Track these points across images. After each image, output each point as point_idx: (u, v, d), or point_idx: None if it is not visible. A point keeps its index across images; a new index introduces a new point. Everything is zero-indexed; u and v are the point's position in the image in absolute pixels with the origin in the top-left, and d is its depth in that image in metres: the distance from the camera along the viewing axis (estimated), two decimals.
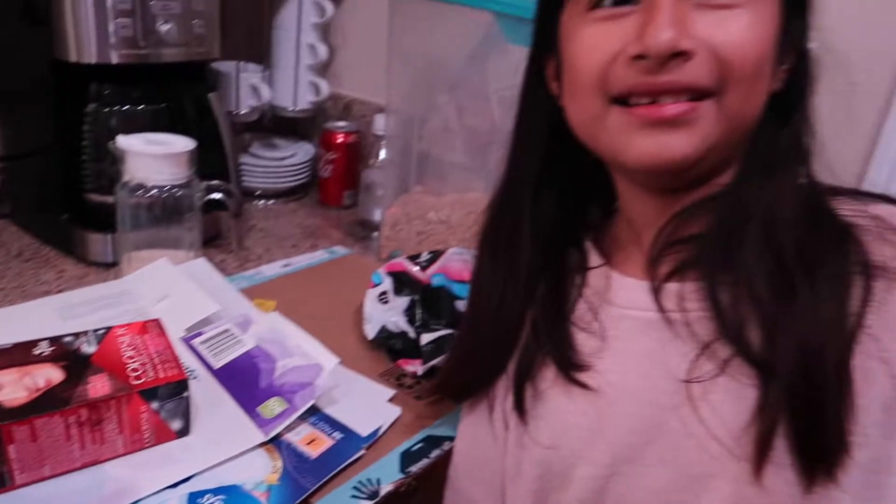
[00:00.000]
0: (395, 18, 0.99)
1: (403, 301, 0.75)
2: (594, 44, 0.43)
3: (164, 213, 0.80)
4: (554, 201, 0.52)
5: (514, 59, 0.93)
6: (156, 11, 0.84)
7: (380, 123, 1.09)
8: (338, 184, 1.20)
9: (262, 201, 1.19)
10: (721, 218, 0.43)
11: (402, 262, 0.79)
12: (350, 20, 1.25)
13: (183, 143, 0.80)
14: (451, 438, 0.61)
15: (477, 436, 0.57)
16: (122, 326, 0.61)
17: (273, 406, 0.59)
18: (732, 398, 0.40)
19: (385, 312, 0.74)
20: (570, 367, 0.48)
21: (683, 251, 0.45)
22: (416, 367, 0.69)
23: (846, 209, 0.42)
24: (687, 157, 0.41)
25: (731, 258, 0.41)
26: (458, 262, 0.77)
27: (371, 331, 0.73)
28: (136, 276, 0.77)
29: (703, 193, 0.45)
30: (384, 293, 0.76)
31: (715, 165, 0.44)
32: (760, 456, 0.38)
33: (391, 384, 0.68)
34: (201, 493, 0.52)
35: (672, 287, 0.44)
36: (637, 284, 0.47)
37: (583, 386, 0.47)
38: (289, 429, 0.58)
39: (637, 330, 0.46)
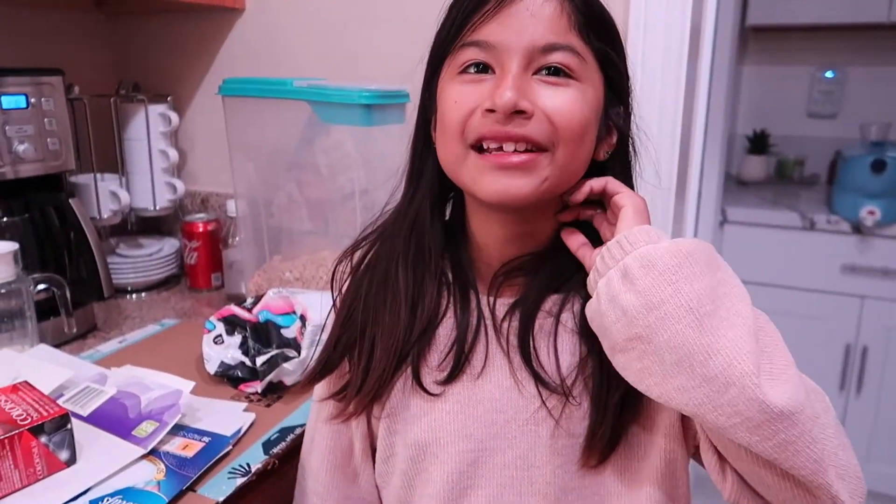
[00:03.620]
0: (230, 117, 1.17)
1: (237, 339, 0.90)
2: (459, 100, 0.55)
3: None
4: (437, 232, 0.62)
5: (335, 136, 1.13)
6: (11, 134, 0.98)
7: (232, 207, 1.25)
8: (204, 268, 1.33)
9: (135, 295, 1.29)
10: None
11: (231, 308, 0.94)
12: (195, 125, 1.42)
13: (3, 246, 0.89)
14: (302, 425, 0.75)
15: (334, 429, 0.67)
16: None
17: (146, 427, 0.71)
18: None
19: (222, 351, 0.89)
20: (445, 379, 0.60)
21: (518, 281, 0.60)
22: (255, 387, 0.85)
23: None
24: (526, 196, 0.53)
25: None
26: (278, 300, 0.94)
27: (212, 367, 0.88)
28: None
29: (536, 228, 0.60)
30: (219, 336, 0.91)
31: (546, 203, 0.57)
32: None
33: (242, 401, 0.82)
34: (101, 499, 0.63)
35: (504, 302, 0.60)
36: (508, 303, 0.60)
37: (429, 393, 0.60)
38: (163, 442, 0.71)
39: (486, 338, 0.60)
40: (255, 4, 1.30)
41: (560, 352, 0.58)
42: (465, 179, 0.56)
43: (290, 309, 0.94)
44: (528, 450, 0.58)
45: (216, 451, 0.70)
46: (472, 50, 0.54)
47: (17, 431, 0.64)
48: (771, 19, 2.27)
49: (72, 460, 0.68)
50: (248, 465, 0.70)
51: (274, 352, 0.87)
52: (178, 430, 0.73)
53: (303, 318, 0.92)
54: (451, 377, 0.60)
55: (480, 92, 0.53)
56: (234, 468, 0.69)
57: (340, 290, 0.66)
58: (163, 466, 0.67)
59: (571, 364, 0.58)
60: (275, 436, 0.75)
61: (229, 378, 0.89)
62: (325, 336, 0.67)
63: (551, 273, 0.60)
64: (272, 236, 1.23)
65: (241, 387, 0.87)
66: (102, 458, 0.68)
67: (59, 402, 0.75)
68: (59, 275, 1.00)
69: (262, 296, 0.97)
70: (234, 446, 0.72)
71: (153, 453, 0.69)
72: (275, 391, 0.86)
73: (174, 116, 1.33)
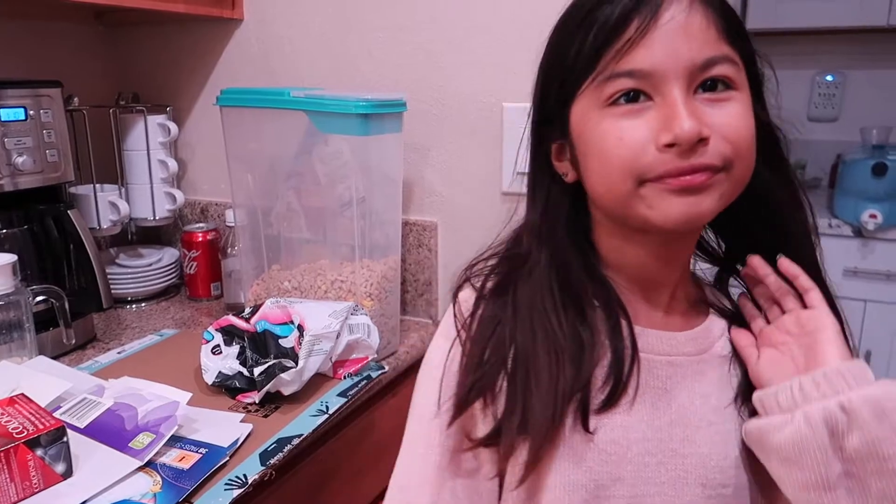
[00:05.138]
0: (228, 127, 1.17)
1: (234, 349, 0.91)
2: (624, 137, 0.51)
3: None
4: (577, 251, 0.59)
5: (333, 145, 1.13)
6: (10, 147, 0.98)
7: (230, 217, 1.25)
8: (204, 277, 1.33)
9: (134, 305, 1.29)
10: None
11: (229, 318, 0.94)
12: (195, 135, 1.42)
13: (2, 258, 0.88)
14: (299, 436, 0.75)
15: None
16: None
17: (142, 439, 0.71)
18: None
19: (220, 361, 0.89)
20: (599, 408, 0.55)
21: (687, 303, 0.60)
22: (252, 397, 0.85)
23: None
24: (708, 214, 0.51)
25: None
26: (275, 310, 0.94)
27: (210, 377, 0.88)
28: None
29: (679, 251, 0.58)
30: (217, 346, 0.91)
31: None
32: None
33: (239, 411, 0.82)
34: None
35: (690, 334, 0.59)
36: (655, 334, 0.58)
37: (588, 429, 0.55)
38: (159, 454, 0.70)
39: (662, 373, 0.58)
40: (253, 15, 1.31)
41: (718, 387, 0.58)
42: (638, 210, 0.52)
43: (288, 319, 0.94)
44: (676, 497, 0.56)
45: (213, 462, 0.70)
46: (623, 80, 0.50)
47: (12, 445, 0.64)
48: (771, 24, 2.27)
49: (68, 473, 0.68)
50: (245, 476, 0.70)
51: (271, 362, 0.87)
52: (175, 441, 0.73)
53: (300, 328, 0.92)
54: (606, 407, 0.55)
55: (646, 125, 0.50)
56: (230, 480, 0.69)
57: (466, 323, 0.58)
58: (159, 478, 0.67)
59: (725, 400, 0.58)
60: (272, 447, 0.75)
61: (227, 388, 0.89)
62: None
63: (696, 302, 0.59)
64: (271, 245, 1.23)
65: (239, 397, 0.87)
66: (98, 470, 0.68)
67: (57, 413, 0.76)
68: (59, 286, 1.01)
69: (259, 305, 0.97)
70: (230, 457, 0.72)
71: (149, 465, 0.69)
72: (272, 401, 0.86)
73: (173, 127, 1.33)
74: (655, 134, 0.50)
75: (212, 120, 1.37)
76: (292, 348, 0.91)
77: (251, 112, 1.14)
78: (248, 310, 0.98)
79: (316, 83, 1.25)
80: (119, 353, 1.03)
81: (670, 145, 0.49)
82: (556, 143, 0.58)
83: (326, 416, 0.85)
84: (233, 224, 1.24)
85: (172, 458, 0.71)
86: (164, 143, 1.33)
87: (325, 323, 0.92)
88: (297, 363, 0.87)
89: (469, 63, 1.13)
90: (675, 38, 0.49)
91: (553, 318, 0.56)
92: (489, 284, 0.60)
